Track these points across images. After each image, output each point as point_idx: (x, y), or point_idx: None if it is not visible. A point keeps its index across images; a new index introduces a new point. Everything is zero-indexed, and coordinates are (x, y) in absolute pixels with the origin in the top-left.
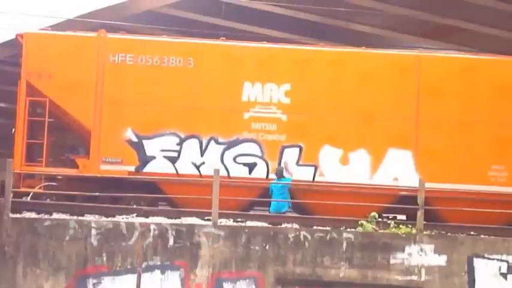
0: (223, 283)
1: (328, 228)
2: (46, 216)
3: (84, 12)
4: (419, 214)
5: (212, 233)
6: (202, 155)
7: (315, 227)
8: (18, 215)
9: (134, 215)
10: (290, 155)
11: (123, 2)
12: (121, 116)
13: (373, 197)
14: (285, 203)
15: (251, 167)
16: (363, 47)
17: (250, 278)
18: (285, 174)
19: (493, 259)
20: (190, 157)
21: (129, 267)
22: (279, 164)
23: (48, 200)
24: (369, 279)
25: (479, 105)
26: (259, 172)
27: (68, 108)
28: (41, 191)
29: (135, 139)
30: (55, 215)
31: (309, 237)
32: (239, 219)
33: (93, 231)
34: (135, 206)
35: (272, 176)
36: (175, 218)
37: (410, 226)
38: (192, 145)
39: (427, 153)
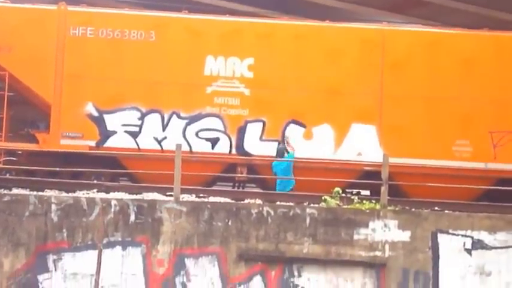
0: (185, 259)
1: (291, 204)
2: (5, 192)
3: None
4: (383, 189)
5: (174, 208)
6: (164, 130)
7: (278, 203)
8: None
9: (95, 190)
10: (253, 130)
11: None
12: (82, 90)
13: (337, 172)
14: (290, 182)
15: (214, 141)
16: (327, 21)
17: (212, 254)
18: (288, 148)
19: (458, 235)
20: (152, 132)
21: (89, 243)
22: (280, 142)
23: (7, 175)
24: (333, 255)
25: (444, 80)
26: (222, 147)
27: (27, 82)
28: (0, 166)
29: (96, 113)
30: (15, 190)
31: (272, 213)
32: (201, 195)
33: (54, 207)
34: (95, 182)
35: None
36: (136, 194)
37: (374, 201)
38: (153, 120)
39: (391, 128)
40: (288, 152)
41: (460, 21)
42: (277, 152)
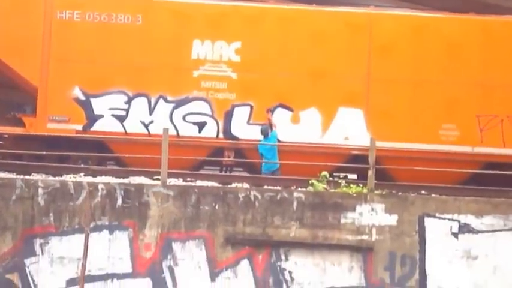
0: (173, 243)
1: (278, 187)
2: None
3: None
4: (370, 173)
5: (161, 192)
6: (151, 114)
7: (265, 187)
8: None
9: (82, 174)
10: (240, 114)
11: None
12: (68, 74)
13: (324, 156)
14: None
15: (201, 125)
16: (314, 5)
17: (199, 238)
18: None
19: (444, 218)
20: (139, 116)
21: (76, 227)
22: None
23: None
24: (320, 239)
25: (430, 64)
26: (209, 131)
27: (14, 65)
28: None
29: (82, 97)
30: (1, 174)
31: (259, 196)
32: (189, 179)
33: (40, 191)
34: (82, 165)
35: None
36: (123, 178)
37: (361, 185)
38: (140, 103)
39: (378, 112)
40: (271, 130)
41: (449, 5)
42: (261, 131)
